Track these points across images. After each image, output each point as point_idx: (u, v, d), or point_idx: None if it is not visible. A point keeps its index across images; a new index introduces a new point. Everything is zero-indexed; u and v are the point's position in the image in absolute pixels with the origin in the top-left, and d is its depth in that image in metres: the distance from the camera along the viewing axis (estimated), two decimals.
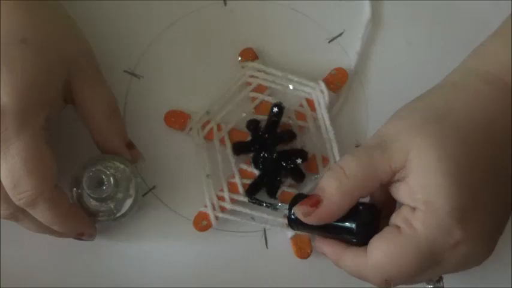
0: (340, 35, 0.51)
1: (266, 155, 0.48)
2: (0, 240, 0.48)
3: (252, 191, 0.48)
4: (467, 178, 0.38)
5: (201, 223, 0.48)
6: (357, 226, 0.41)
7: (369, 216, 0.42)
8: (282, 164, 0.48)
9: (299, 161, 0.48)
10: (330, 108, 0.49)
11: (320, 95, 0.49)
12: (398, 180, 0.40)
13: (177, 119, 0.49)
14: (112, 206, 0.44)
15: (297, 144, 0.49)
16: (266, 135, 0.48)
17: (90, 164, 0.44)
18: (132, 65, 0.49)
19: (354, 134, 0.50)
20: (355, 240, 0.42)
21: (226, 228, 0.49)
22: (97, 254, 0.48)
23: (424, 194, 0.39)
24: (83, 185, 0.43)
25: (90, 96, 0.43)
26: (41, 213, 0.41)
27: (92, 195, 0.43)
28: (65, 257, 0.48)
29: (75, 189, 0.44)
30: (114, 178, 0.43)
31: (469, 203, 0.38)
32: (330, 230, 0.42)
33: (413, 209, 0.39)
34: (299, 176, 0.48)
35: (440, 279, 0.42)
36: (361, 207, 0.41)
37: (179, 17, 0.50)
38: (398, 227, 0.40)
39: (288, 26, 0.51)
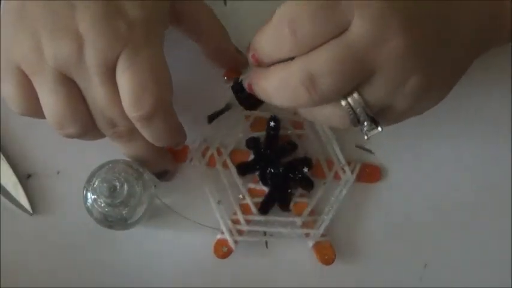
0: None
1: (272, 170, 0.48)
2: (0, 240, 0.48)
3: (265, 209, 0.48)
4: None
5: (222, 250, 0.48)
6: None
7: None
8: (290, 176, 0.48)
9: (305, 169, 0.48)
10: None
11: None
12: None
13: (175, 153, 0.49)
14: (124, 213, 0.45)
15: (299, 153, 0.49)
16: (268, 150, 0.48)
17: (105, 169, 0.44)
18: None
19: (353, 132, 0.49)
20: None
21: None
22: (97, 253, 0.49)
23: None
24: (97, 190, 0.43)
25: (194, 7, 0.45)
26: (155, 127, 0.41)
27: (105, 200, 0.43)
28: (64, 258, 0.49)
29: (89, 193, 0.44)
30: (128, 185, 0.43)
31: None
32: None
33: None
34: (308, 184, 0.48)
35: (374, 122, 0.39)
36: None
37: None
38: None
39: None
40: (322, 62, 0.37)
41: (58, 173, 0.49)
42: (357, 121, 0.39)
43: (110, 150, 0.45)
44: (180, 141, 0.45)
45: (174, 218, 0.49)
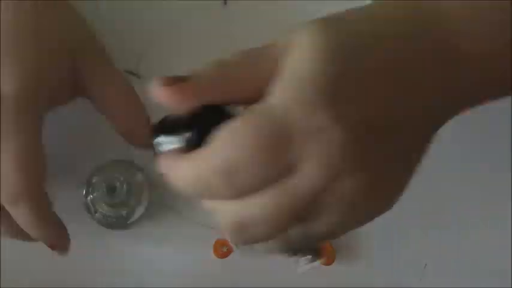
0: None
1: None
2: (0, 240, 0.48)
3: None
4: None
5: (222, 250, 0.48)
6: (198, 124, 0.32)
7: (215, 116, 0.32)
8: None
9: None
10: None
11: None
12: None
13: None
14: (123, 213, 0.45)
15: None
16: None
17: (105, 169, 0.44)
18: (133, 65, 0.49)
19: None
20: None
21: None
22: (97, 254, 0.49)
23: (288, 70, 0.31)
24: (96, 189, 0.43)
25: (102, 77, 0.40)
26: (21, 213, 0.38)
27: (105, 200, 0.44)
28: (64, 258, 0.47)
29: (89, 193, 0.44)
30: (127, 185, 0.44)
31: (344, 77, 0.30)
32: None
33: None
34: None
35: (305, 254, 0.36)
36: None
37: (180, 16, 0.50)
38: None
39: (288, 26, 0.50)
40: (257, 211, 0.31)
41: (58, 173, 0.49)
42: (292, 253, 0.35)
43: (110, 150, 0.45)
44: (58, 242, 0.41)
45: (174, 218, 0.49)
